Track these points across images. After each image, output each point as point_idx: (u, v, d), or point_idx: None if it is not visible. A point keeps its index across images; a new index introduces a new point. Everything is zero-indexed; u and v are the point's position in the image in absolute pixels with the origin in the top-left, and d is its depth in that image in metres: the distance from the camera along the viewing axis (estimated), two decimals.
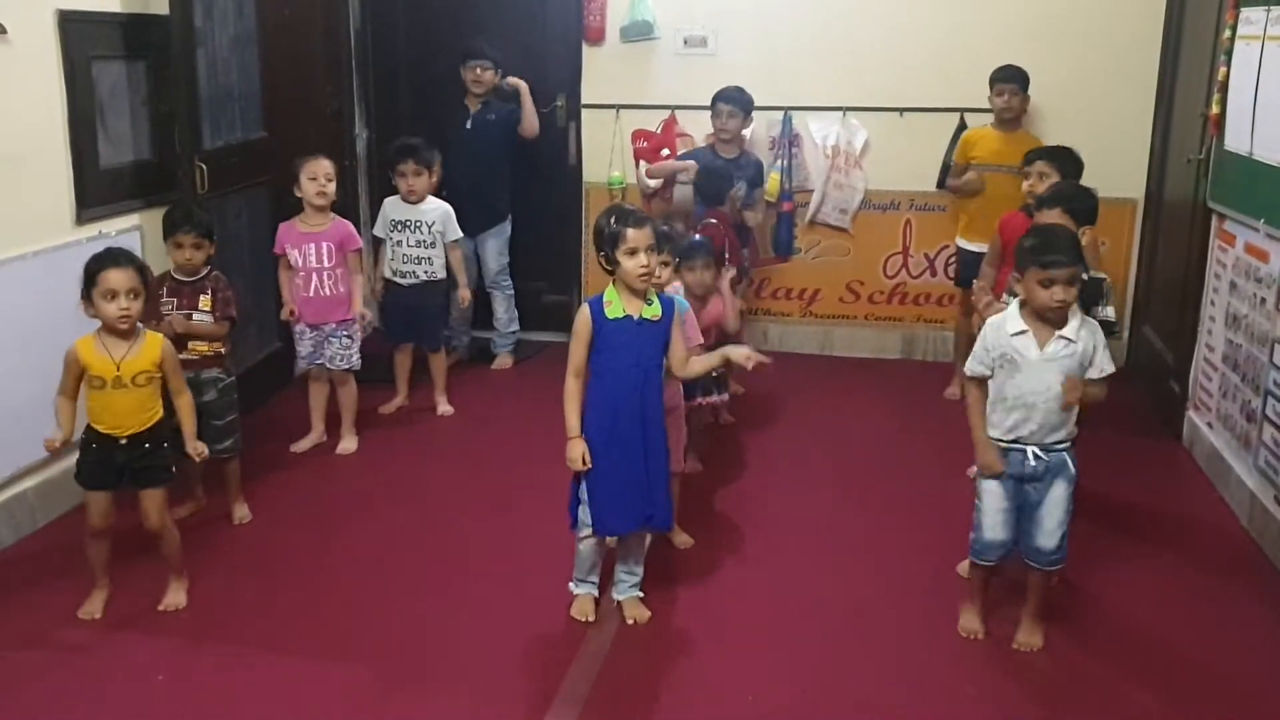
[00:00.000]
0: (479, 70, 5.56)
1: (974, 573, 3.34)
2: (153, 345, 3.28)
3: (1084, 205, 3.71)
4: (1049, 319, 3.05)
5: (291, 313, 4.57)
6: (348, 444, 4.73)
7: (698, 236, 4.38)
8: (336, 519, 4.10)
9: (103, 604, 3.38)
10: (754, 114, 5.49)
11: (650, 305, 3.22)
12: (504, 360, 5.90)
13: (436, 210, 5.04)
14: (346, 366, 4.67)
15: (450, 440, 4.95)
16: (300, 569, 3.72)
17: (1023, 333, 3.08)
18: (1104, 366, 3.09)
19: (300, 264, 4.54)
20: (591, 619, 3.35)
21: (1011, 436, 3.13)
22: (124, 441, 3.25)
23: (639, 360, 3.22)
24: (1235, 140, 4.26)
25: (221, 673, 3.12)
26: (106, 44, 4.18)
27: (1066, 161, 4.15)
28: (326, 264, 4.55)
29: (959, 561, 3.56)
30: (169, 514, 3.42)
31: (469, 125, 5.62)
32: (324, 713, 2.96)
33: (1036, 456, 3.11)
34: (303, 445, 4.73)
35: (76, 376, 3.24)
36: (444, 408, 5.19)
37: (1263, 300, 4.04)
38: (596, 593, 3.43)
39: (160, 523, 3.35)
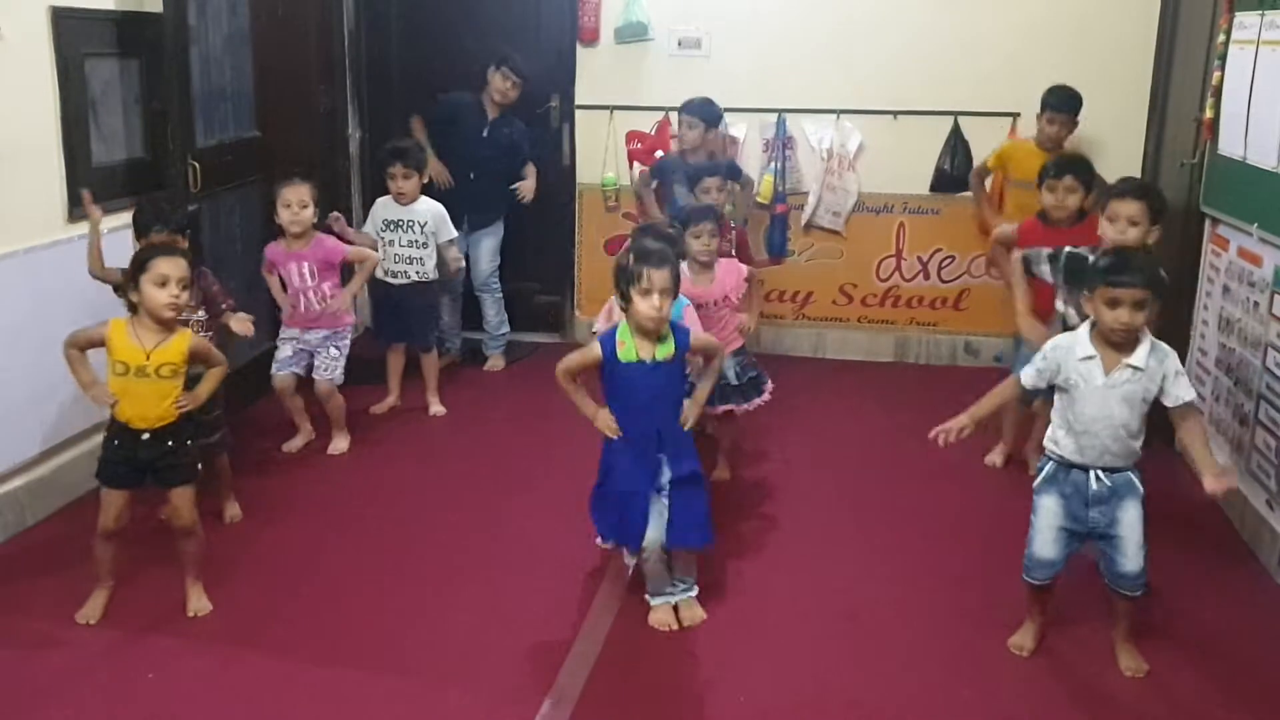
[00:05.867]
0: (511, 82, 5.52)
1: (1026, 592, 3.25)
2: (182, 339, 3.24)
3: (1161, 203, 3.69)
4: (1115, 343, 2.96)
5: (294, 307, 4.57)
6: (339, 443, 4.72)
7: (699, 204, 4.36)
8: (328, 519, 4.09)
9: (102, 607, 3.35)
10: (751, 116, 5.47)
11: (663, 343, 3.17)
12: (496, 361, 5.90)
13: (429, 211, 5.04)
14: (329, 377, 4.63)
15: (443, 441, 4.94)
16: (291, 569, 3.71)
17: (1090, 358, 2.99)
18: (1180, 395, 2.95)
19: (289, 283, 4.56)
20: (674, 627, 3.33)
21: (1075, 458, 3.05)
22: (146, 437, 3.21)
23: (653, 402, 3.20)
24: (1229, 145, 4.27)
25: (212, 671, 3.11)
26: (100, 41, 4.17)
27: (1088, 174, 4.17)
28: (310, 282, 4.53)
29: (950, 564, 3.56)
30: (198, 514, 3.38)
31: (485, 134, 5.62)
32: (314, 711, 2.95)
33: (1099, 479, 3.03)
34: (295, 444, 4.72)
35: (94, 344, 3.20)
36: (436, 408, 5.18)
37: (1256, 304, 4.05)
38: (674, 601, 3.39)
39: (192, 521, 3.33)
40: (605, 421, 3.24)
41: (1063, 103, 5.03)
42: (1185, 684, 3.12)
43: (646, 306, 3.08)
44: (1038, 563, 3.14)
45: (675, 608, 3.39)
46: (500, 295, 5.91)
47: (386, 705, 2.97)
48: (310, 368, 4.63)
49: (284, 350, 4.62)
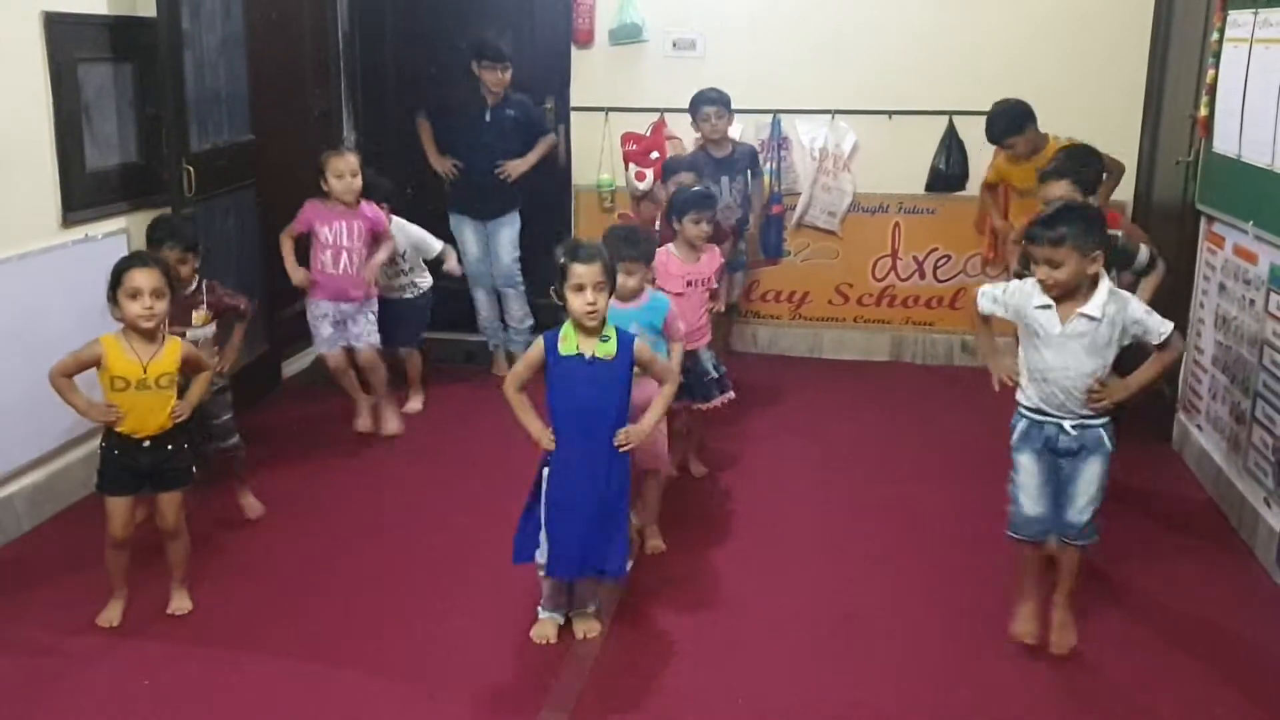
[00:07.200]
0: (500, 72, 5.45)
1: (1018, 558, 3.28)
2: (174, 347, 3.24)
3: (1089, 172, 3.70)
4: (1055, 296, 3.02)
5: (307, 280, 4.64)
6: (391, 425, 4.89)
7: (700, 189, 4.36)
8: (325, 521, 4.08)
9: (121, 612, 3.34)
10: (746, 117, 5.50)
11: (605, 343, 3.10)
12: (502, 366, 5.79)
13: (405, 240, 5.03)
14: (373, 343, 4.78)
15: (445, 442, 4.91)
16: (288, 572, 3.70)
17: (1047, 307, 3.04)
18: (1159, 331, 3.02)
19: (330, 241, 4.62)
20: (552, 641, 3.24)
21: (1041, 407, 3.11)
22: (146, 444, 3.22)
23: (590, 402, 3.09)
24: (1224, 143, 4.28)
25: (208, 676, 3.10)
26: (93, 46, 4.15)
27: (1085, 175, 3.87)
28: (356, 243, 4.65)
29: (948, 561, 3.55)
30: (184, 516, 3.38)
31: (488, 118, 5.52)
32: (312, 715, 2.94)
33: (1067, 433, 3.08)
34: (362, 424, 4.89)
35: (86, 366, 3.18)
36: (413, 404, 5.21)
37: (1251, 302, 4.06)
38: (561, 619, 3.31)
39: (177, 524, 3.34)
40: (539, 432, 3.11)
41: (998, 133, 4.95)
42: (1184, 682, 3.12)
43: (579, 302, 3.03)
44: (1025, 520, 3.19)
45: (568, 618, 3.31)
46: (524, 289, 5.80)
47: (384, 709, 2.96)
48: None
49: (324, 329, 4.70)
